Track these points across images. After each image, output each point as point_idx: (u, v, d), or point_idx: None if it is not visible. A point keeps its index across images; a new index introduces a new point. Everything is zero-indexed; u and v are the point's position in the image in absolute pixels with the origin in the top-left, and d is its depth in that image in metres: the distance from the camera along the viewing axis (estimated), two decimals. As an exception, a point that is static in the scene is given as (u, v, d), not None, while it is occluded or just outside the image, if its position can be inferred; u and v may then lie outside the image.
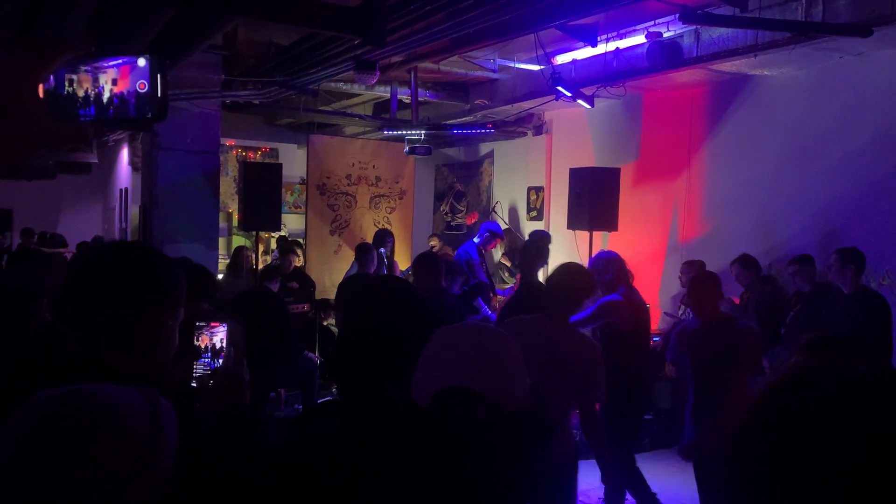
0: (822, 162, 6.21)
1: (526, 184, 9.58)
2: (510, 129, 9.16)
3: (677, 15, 4.83)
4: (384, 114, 8.72)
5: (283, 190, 10.84)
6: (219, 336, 1.75)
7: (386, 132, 8.33)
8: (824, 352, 0.80)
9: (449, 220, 10.91)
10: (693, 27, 6.04)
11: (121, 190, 12.46)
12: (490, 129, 7.84)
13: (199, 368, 1.65)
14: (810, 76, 6.33)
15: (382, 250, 7.16)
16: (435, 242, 9.81)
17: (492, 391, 1.21)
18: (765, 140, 6.72)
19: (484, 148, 10.38)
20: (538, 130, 9.27)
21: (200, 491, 1.13)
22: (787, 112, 6.52)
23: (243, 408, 1.50)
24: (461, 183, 10.77)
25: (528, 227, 9.48)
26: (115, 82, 2.66)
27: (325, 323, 7.60)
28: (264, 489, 1.28)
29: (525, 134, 9.35)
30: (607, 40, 6.75)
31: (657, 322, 7.19)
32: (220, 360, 1.69)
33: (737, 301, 6.15)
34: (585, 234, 7.44)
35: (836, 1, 4.99)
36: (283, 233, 10.31)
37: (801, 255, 5.84)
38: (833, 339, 0.82)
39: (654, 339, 7.10)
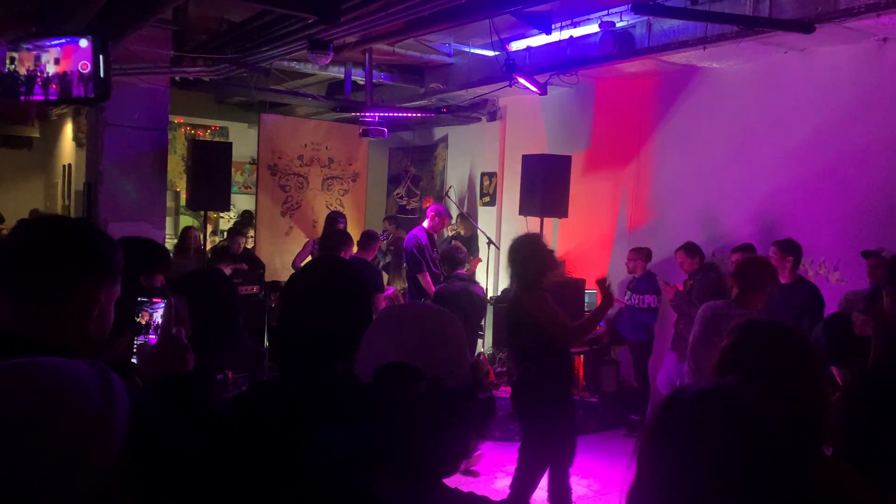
0: (765, 154, 6.39)
1: (479, 169, 9.62)
2: (464, 114, 9.18)
3: (630, 5, 4.89)
4: (338, 95, 8.64)
5: (233, 170, 10.70)
6: (160, 313, 1.73)
7: (339, 113, 8.26)
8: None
9: (404, 203, 10.89)
10: (645, 18, 6.13)
11: (64, 166, 12.08)
12: (445, 112, 7.84)
13: (139, 344, 1.63)
14: (756, 70, 6.50)
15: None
16: (388, 225, 9.80)
17: (432, 367, 1.24)
18: (711, 131, 6.88)
19: (438, 132, 10.38)
20: (492, 116, 9.31)
21: (150, 463, 1.13)
22: (733, 104, 6.69)
23: (186, 374, 1.50)
24: (415, 167, 10.76)
25: (481, 213, 9.54)
26: (57, 62, 2.60)
27: (274, 305, 7.55)
28: (210, 457, 1.28)
29: (479, 119, 9.38)
30: (561, 28, 6.81)
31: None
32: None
33: (680, 287, 6.31)
34: (537, 219, 7.53)
35: (782, -4, 5.14)
36: (233, 214, 10.17)
37: (742, 244, 6.01)
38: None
39: (600, 324, 7.25)
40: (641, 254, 6.93)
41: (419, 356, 1.24)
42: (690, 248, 6.35)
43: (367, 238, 6.44)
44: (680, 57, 6.42)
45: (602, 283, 4.16)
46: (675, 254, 6.38)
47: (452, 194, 9.58)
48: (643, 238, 7.27)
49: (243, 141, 10.61)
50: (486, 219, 9.41)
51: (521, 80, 6.21)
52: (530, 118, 8.75)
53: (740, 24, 4.71)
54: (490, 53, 7.32)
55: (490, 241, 8.50)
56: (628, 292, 6.97)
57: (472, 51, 7.52)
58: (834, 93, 5.93)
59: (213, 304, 5.59)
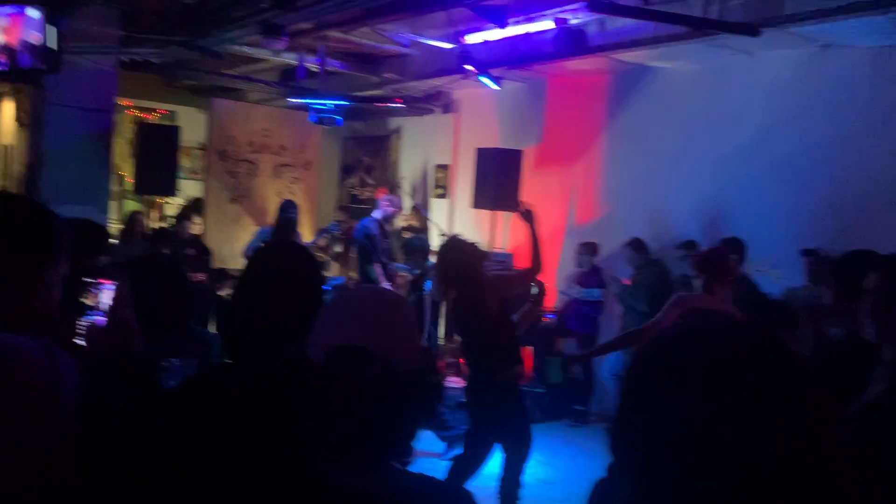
0: (711, 153, 6.56)
1: (433, 161, 9.63)
2: (419, 105, 9.17)
3: (585, 3, 4.97)
4: (291, 81, 8.54)
5: (181, 155, 10.48)
6: (107, 294, 1.71)
7: (290, 100, 8.15)
8: None
9: (357, 193, 10.83)
10: (599, 16, 6.22)
11: (3, 146, 11.64)
12: (400, 103, 7.82)
13: (86, 325, 1.61)
14: (705, 71, 6.66)
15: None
16: (341, 215, 9.74)
17: (383, 351, 1.26)
18: (659, 130, 7.02)
19: (392, 123, 10.35)
20: (446, 109, 9.33)
21: (101, 438, 1.12)
22: (682, 104, 6.84)
23: (134, 354, 1.49)
24: (368, 157, 10.70)
25: (434, 205, 9.55)
26: (5, 31, 2.51)
27: (220, 293, 7.43)
28: (160, 435, 1.28)
29: (433, 111, 9.38)
30: (517, 23, 6.86)
31: (554, 301, 7.44)
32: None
33: (626, 282, 6.45)
34: (489, 213, 7.60)
35: (731, 0, 5.28)
36: (181, 200, 9.95)
37: (687, 241, 6.18)
38: None
39: (551, 316, 7.37)
40: (589, 248, 7.06)
41: (371, 339, 1.26)
42: (636, 244, 6.49)
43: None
44: (631, 56, 6.54)
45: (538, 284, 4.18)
46: (622, 249, 6.52)
47: (405, 185, 9.58)
48: (592, 233, 7.40)
49: (192, 126, 10.38)
50: (439, 211, 9.43)
51: (474, 71, 6.23)
52: (484, 112, 8.80)
53: (690, 26, 4.84)
54: (446, 46, 7.33)
55: (443, 234, 8.52)
56: (576, 286, 7.09)
57: (428, 42, 7.51)
58: (778, 96, 6.13)
59: (158, 289, 5.49)
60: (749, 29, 4.68)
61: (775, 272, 6.00)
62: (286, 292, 1.57)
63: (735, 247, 5.50)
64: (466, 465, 4.24)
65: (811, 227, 5.70)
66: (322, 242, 8.73)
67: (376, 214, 6.98)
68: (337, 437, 1.25)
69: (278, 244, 1.92)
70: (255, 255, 1.74)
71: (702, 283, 4.11)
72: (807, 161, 5.88)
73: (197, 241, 7.56)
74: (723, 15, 5.25)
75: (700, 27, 4.82)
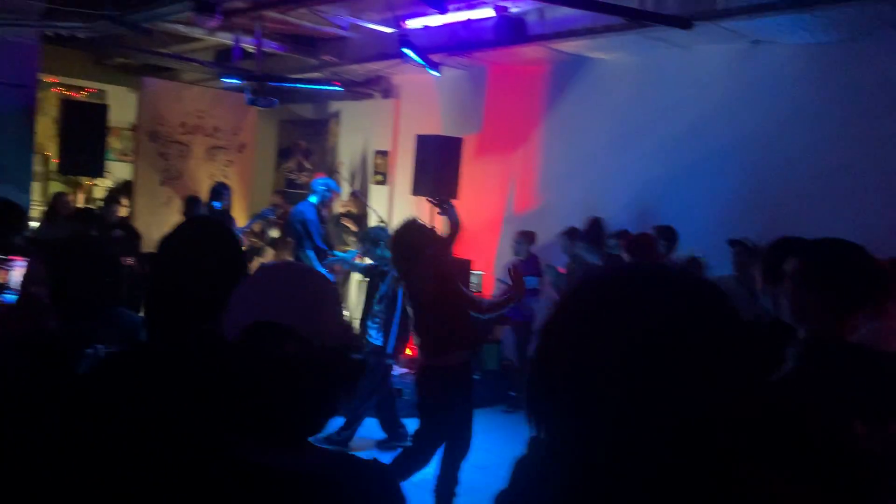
0: (645, 144, 6.68)
1: (372, 147, 9.54)
2: (358, 89, 9.07)
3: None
4: (226, 62, 8.32)
5: (111, 135, 10.11)
6: (18, 271, 1.63)
7: (225, 81, 7.94)
8: None
9: (294, 178, 10.65)
10: (538, 6, 6.26)
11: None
12: (337, 85, 7.71)
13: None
14: (640, 63, 6.77)
15: (217, 204, 6.86)
16: (277, 199, 9.56)
17: (300, 327, 1.22)
18: (596, 120, 7.12)
19: (331, 107, 10.20)
20: (386, 94, 9.24)
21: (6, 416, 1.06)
22: (618, 95, 6.95)
23: (47, 332, 1.42)
24: (306, 141, 10.52)
25: (373, 191, 9.47)
26: None
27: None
28: (72, 416, 1.22)
29: (373, 96, 9.29)
30: (458, 10, 6.84)
31: (492, 289, 7.49)
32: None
33: (562, 270, 6.53)
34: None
35: (666, -6, 5.39)
36: (109, 182, 9.61)
37: (620, 231, 6.28)
38: None
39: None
40: (527, 237, 7.11)
41: (287, 315, 1.22)
42: (571, 233, 6.57)
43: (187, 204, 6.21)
44: (570, 46, 6.60)
45: (516, 274, 4.21)
46: (558, 237, 6.59)
47: (344, 171, 9.47)
48: (529, 222, 7.45)
49: (123, 106, 10.01)
50: (378, 198, 9.36)
51: (411, 55, 6.19)
52: (425, 98, 8.76)
53: (625, 17, 4.90)
54: (386, 30, 7.25)
55: (381, 221, 8.47)
56: (513, 274, 7.13)
57: (368, 25, 7.42)
58: (710, 89, 6.27)
59: (83, 271, 5.29)
60: (682, 22, 4.77)
61: (703, 260, 6.16)
62: (196, 269, 1.52)
63: (666, 234, 5.63)
64: (411, 458, 4.21)
65: (739, 218, 5.86)
66: (257, 227, 8.57)
67: (313, 199, 6.86)
68: (251, 416, 1.22)
69: (191, 221, 1.86)
70: (168, 233, 1.68)
71: None
72: (736, 153, 6.04)
73: (126, 224, 7.31)
74: (658, 7, 5.35)
75: (634, 18, 4.89)
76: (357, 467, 1.34)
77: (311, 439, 1.29)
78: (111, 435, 1.30)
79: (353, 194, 9.11)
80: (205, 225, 1.75)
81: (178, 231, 1.66)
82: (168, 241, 1.68)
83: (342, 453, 1.35)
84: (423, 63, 6.56)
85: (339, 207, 8.85)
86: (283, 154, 10.85)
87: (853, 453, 1.59)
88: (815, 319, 1.88)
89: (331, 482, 1.25)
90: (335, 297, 1.34)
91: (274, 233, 8.86)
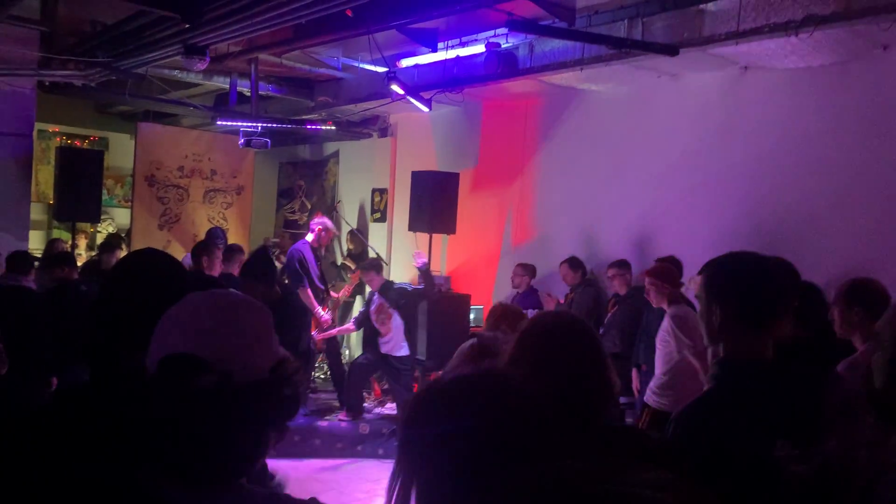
0: (641, 175, 6.64)
1: (370, 185, 9.56)
2: (356, 129, 9.12)
3: (506, 22, 5.00)
4: (226, 106, 8.40)
5: (114, 182, 10.22)
6: None
7: (220, 123, 8.00)
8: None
9: (296, 218, 10.68)
10: (528, 40, 6.29)
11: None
12: (331, 126, 7.75)
13: None
14: (631, 93, 6.77)
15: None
16: (277, 240, 9.57)
17: (220, 359, 1.16)
18: (590, 151, 7.10)
19: (329, 147, 10.27)
20: (383, 133, 9.30)
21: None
22: (610, 126, 6.93)
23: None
24: (305, 181, 10.58)
25: (372, 229, 9.47)
26: None
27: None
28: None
29: (370, 135, 9.34)
30: (449, 48, 6.89)
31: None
32: None
33: (562, 301, 6.44)
34: (426, 236, 7.54)
35: (654, 24, 5.38)
36: (110, 228, 9.67)
37: (619, 261, 6.21)
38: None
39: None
40: (528, 270, 7.05)
41: (205, 346, 1.16)
42: (574, 262, 6.51)
43: (231, 251, 6.23)
44: (560, 78, 6.61)
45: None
46: (560, 267, 6.52)
47: (342, 209, 9.47)
48: (527, 254, 7.40)
49: (126, 153, 10.14)
50: (376, 235, 9.35)
51: (399, 90, 6.23)
52: (421, 135, 8.79)
53: (611, 46, 4.90)
54: (380, 69, 7.31)
55: (378, 257, 8.44)
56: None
57: (362, 66, 7.49)
58: (702, 117, 6.25)
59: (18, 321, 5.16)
60: (668, 49, 4.76)
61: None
62: (134, 298, 1.47)
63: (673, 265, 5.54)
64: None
65: (737, 243, 5.74)
66: (257, 269, 8.54)
67: (309, 238, 6.86)
68: (170, 455, 1.15)
69: (139, 251, 1.82)
70: (116, 264, 1.64)
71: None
72: (731, 179, 5.99)
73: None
74: (645, 37, 5.34)
75: (620, 47, 4.88)
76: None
77: None
78: (23, 478, 1.24)
79: (353, 232, 9.10)
80: (150, 254, 1.71)
81: (123, 261, 1.63)
82: (113, 271, 1.65)
83: (275, 495, 1.28)
84: (415, 100, 6.58)
85: (347, 244, 8.84)
86: (285, 194, 10.90)
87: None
88: (724, 338, 1.79)
89: (255, 525, 1.18)
90: (261, 327, 1.27)
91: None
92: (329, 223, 7.02)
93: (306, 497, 1.35)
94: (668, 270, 5.03)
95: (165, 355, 1.17)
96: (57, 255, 5.70)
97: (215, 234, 7.10)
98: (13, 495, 1.28)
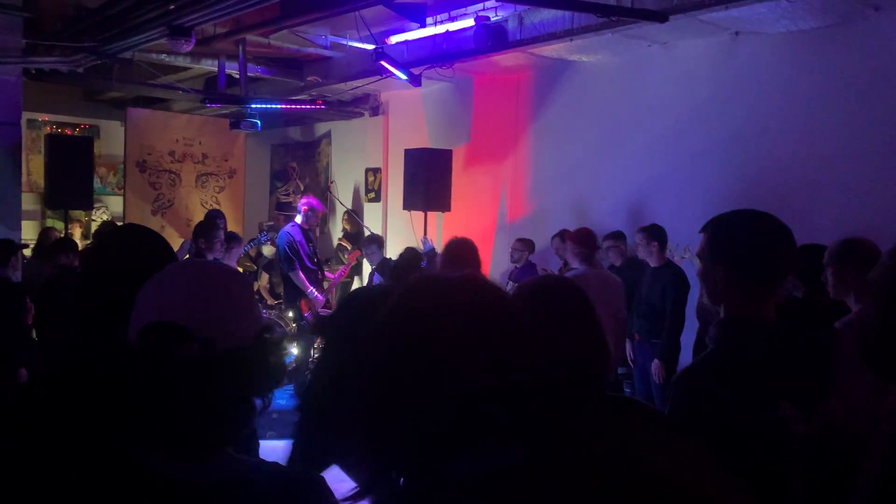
0: (634, 145, 6.61)
1: (364, 165, 9.52)
2: (347, 109, 9.06)
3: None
4: (216, 89, 8.33)
5: (106, 170, 10.16)
6: None
7: (209, 106, 7.95)
8: None
9: (290, 200, 10.65)
10: (518, 12, 6.23)
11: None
12: (320, 105, 7.69)
13: None
14: (622, 63, 6.71)
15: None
16: (271, 223, 9.54)
17: (201, 327, 1.15)
18: (583, 123, 7.06)
19: (321, 128, 10.21)
20: (375, 111, 9.23)
21: None
22: (603, 97, 6.88)
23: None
24: (298, 163, 10.52)
25: (367, 209, 9.44)
26: None
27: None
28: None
29: (362, 114, 9.28)
30: (437, 22, 6.83)
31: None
32: None
33: (556, 273, 6.43)
34: (421, 214, 7.53)
35: (643, -9, 5.33)
36: (104, 216, 9.63)
37: (614, 232, 6.19)
38: None
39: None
40: (527, 245, 7.03)
41: (186, 314, 1.15)
42: (566, 235, 6.48)
43: (229, 241, 6.16)
44: (551, 50, 6.55)
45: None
46: (552, 241, 6.51)
47: (335, 190, 9.44)
48: (523, 229, 7.38)
49: (117, 140, 10.06)
50: (372, 215, 9.32)
51: (389, 67, 6.17)
52: (412, 113, 8.74)
53: (599, 13, 4.85)
54: (369, 47, 7.23)
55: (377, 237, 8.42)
56: (510, 282, 7.04)
57: (351, 44, 7.42)
58: (694, 85, 6.20)
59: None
60: (657, 16, 4.71)
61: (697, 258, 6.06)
62: (118, 268, 1.46)
63: (656, 235, 5.53)
64: None
65: (729, 210, 5.75)
66: (252, 252, 8.54)
67: (298, 220, 6.83)
68: (154, 424, 1.14)
69: (125, 226, 1.81)
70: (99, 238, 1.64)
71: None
72: (724, 146, 5.96)
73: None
74: (635, 5, 5.29)
75: (609, 15, 4.83)
76: (278, 477, 1.26)
77: None
78: (8, 449, 1.23)
79: (348, 213, 9.07)
80: (137, 231, 1.70)
81: (107, 234, 1.62)
82: (100, 247, 1.64)
83: (264, 463, 1.27)
84: (402, 74, 6.53)
85: (343, 224, 8.83)
86: (279, 177, 10.85)
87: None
88: (727, 298, 1.75)
89: (242, 493, 1.17)
90: (244, 294, 1.26)
91: (270, 256, 8.83)
92: (315, 202, 6.98)
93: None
94: (587, 234, 5.21)
95: (146, 324, 1.16)
96: (59, 242, 5.68)
97: (215, 216, 7.05)
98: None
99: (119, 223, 8.41)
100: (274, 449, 3.67)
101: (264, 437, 5.31)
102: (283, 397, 6.59)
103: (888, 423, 1.45)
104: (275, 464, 1.28)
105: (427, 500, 0.95)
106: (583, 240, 5.12)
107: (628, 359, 5.71)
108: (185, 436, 1.15)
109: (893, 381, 1.45)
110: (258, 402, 1.26)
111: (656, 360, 5.39)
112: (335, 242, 9.26)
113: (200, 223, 5.77)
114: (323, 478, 1.28)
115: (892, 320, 1.29)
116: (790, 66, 5.65)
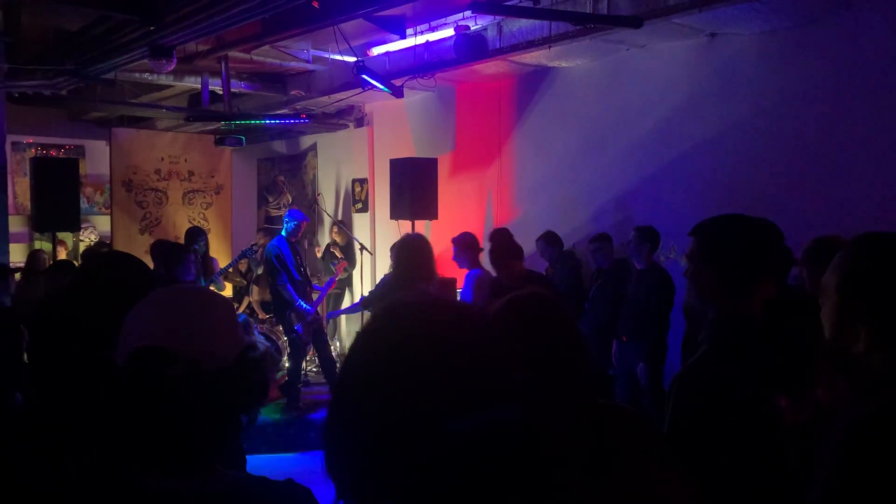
0: (616, 148, 6.68)
1: (350, 176, 9.57)
2: (332, 121, 9.11)
3: (469, 3, 5.01)
4: (199, 106, 8.36)
5: (93, 190, 10.17)
6: None
7: (193, 123, 7.97)
8: None
9: (280, 214, 10.67)
10: (497, 21, 6.30)
11: None
12: (304, 119, 7.74)
13: None
14: (601, 68, 6.79)
15: (195, 247, 6.82)
16: (260, 238, 9.55)
17: (187, 349, 1.19)
18: (565, 128, 7.13)
19: (307, 141, 10.25)
20: (359, 123, 9.29)
21: None
22: (584, 102, 6.96)
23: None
24: (285, 176, 10.55)
25: (355, 220, 9.48)
26: None
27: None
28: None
29: (347, 126, 9.33)
30: (418, 33, 6.89)
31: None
32: None
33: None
34: (408, 223, 7.56)
35: (618, -4, 5.41)
36: (92, 236, 9.62)
37: (600, 234, 6.25)
38: None
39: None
40: (500, 234, 7.06)
41: (171, 338, 1.20)
42: (549, 237, 6.55)
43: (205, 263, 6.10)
44: (530, 57, 6.62)
45: None
46: (536, 242, 6.58)
47: (322, 202, 9.47)
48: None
49: (103, 160, 10.07)
50: (360, 225, 9.36)
51: (370, 80, 6.23)
52: (397, 123, 8.79)
53: (575, 21, 4.91)
54: (350, 59, 7.29)
55: (363, 248, 8.46)
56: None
57: (333, 57, 7.47)
58: (672, 87, 6.28)
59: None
60: (632, 21, 4.78)
61: (685, 259, 6.13)
62: (83, 296, 1.50)
63: (649, 237, 5.59)
64: None
65: (711, 211, 5.79)
66: (242, 266, 8.56)
67: (284, 232, 6.86)
68: (142, 444, 1.19)
69: (102, 254, 1.85)
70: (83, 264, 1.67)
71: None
72: (706, 147, 6.03)
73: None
74: (611, 10, 5.36)
75: (584, 22, 4.90)
76: (266, 490, 1.31)
77: None
78: (4, 469, 1.27)
79: (337, 224, 9.11)
80: (120, 258, 1.74)
81: (92, 263, 1.65)
82: (84, 273, 1.68)
83: (251, 477, 1.31)
84: (384, 87, 6.59)
85: (335, 236, 8.85)
86: (270, 190, 10.87)
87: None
88: (718, 298, 1.83)
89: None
90: (226, 315, 1.31)
91: (260, 270, 8.85)
92: (301, 214, 7.01)
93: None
94: (470, 240, 5.51)
95: (134, 348, 1.21)
96: (58, 265, 5.69)
97: (195, 233, 7.04)
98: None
99: (107, 244, 8.43)
100: (261, 464, 3.70)
101: (258, 452, 5.33)
102: (271, 412, 6.63)
103: (838, 414, 1.51)
104: (262, 478, 1.32)
105: None
106: (471, 244, 5.43)
107: (612, 359, 5.78)
108: (173, 452, 1.20)
109: (842, 372, 1.51)
110: (244, 418, 1.31)
111: (641, 364, 5.46)
112: (326, 251, 9.28)
113: (166, 249, 5.71)
114: (310, 490, 1.33)
115: (840, 317, 1.34)
116: (766, 65, 5.73)
